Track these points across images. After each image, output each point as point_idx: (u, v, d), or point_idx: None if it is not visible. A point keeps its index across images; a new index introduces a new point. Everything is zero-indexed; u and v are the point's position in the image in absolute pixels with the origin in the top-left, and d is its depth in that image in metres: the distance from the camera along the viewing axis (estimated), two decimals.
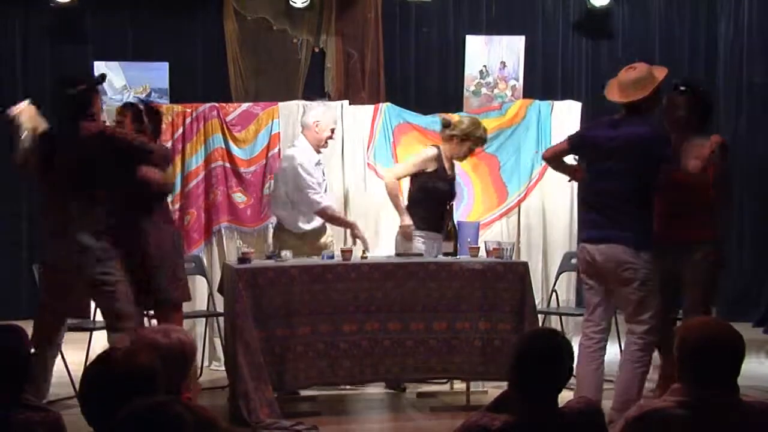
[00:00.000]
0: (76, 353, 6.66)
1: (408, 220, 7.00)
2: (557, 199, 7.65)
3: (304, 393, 6.55)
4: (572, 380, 4.45)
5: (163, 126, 6.96)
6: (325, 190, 7.17)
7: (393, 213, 7.72)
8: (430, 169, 7.04)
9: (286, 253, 6.92)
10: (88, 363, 3.73)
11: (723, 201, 6.20)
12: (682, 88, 6.26)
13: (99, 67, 9.87)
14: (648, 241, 5.91)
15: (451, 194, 7.21)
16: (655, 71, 6.09)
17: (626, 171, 5.90)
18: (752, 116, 9.47)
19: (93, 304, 7.07)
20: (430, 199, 7.05)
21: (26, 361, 3.82)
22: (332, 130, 7.19)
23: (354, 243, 7.06)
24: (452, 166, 7.25)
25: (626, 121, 6.02)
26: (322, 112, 7.20)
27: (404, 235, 7.03)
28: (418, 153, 7.23)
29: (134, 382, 3.23)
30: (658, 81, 5.99)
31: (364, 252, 6.84)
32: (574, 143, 6.25)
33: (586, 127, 6.96)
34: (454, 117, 7.60)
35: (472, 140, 7.06)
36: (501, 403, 3.73)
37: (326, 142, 7.18)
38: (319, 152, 7.13)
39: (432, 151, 7.09)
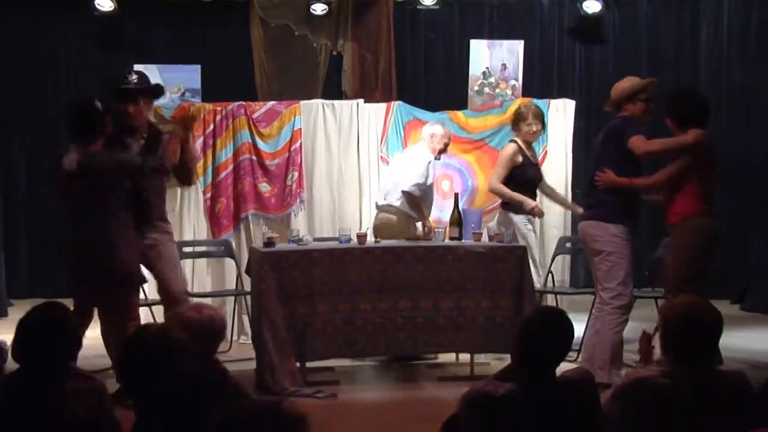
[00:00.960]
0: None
1: (533, 202, 7.10)
2: (553, 188, 7.67)
3: (323, 364, 6.56)
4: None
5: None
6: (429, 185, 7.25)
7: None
8: (519, 162, 7.12)
9: (306, 237, 7.02)
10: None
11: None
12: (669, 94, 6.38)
13: (138, 70, 10.04)
14: (616, 216, 6.02)
15: (539, 177, 7.35)
16: (629, 83, 6.25)
17: (598, 156, 6.15)
18: (732, 114, 9.45)
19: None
20: (524, 187, 7.13)
21: (74, 334, 3.86)
22: (446, 144, 7.27)
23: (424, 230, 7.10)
24: (534, 153, 7.36)
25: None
26: (439, 128, 7.27)
27: (537, 213, 7.15)
28: (502, 154, 7.26)
29: (167, 355, 3.25)
30: (616, 93, 6.18)
31: (377, 237, 6.91)
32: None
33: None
34: (513, 107, 7.71)
35: (538, 118, 7.19)
36: (506, 373, 3.85)
37: (439, 154, 7.26)
38: (437, 158, 7.26)
39: (512, 147, 7.16)
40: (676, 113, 6.09)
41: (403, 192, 7.02)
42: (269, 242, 6.58)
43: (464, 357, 6.74)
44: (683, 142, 5.95)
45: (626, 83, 6.27)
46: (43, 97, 10.23)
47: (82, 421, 3.45)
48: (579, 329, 6.26)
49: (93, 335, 6.59)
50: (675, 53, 10.36)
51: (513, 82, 10.06)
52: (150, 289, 7.59)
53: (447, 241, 6.74)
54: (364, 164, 8.02)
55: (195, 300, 6.62)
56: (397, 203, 7.10)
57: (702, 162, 5.99)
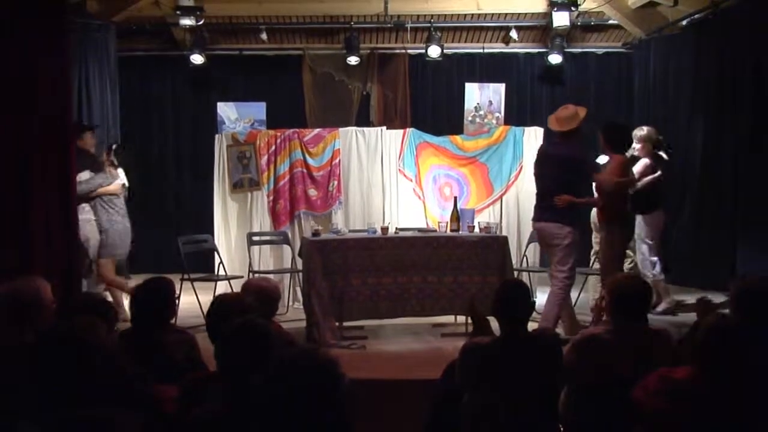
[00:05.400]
0: (205, 296, 6.68)
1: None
2: (527, 194, 7.53)
3: (355, 323, 6.52)
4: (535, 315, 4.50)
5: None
6: None
7: (414, 201, 7.87)
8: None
9: (343, 229, 7.02)
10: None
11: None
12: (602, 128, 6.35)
13: (220, 106, 10.00)
14: (569, 220, 6.04)
15: None
16: (579, 111, 6.20)
17: (554, 176, 6.06)
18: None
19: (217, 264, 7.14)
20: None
21: (170, 299, 3.87)
22: None
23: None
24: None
25: (560, 144, 6.20)
26: None
27: None
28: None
29: (239, 312, 3.32)
30: (580, 118, 6.13)
31: (396, 229, 6.88)
32: (537, 154, 6.47)
33: (542, 145, 7.10)
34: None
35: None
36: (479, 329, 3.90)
37: None
38: None
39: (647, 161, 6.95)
40: (611, 139, 6.17)
41: None
42: (316, 233, 6.60)
43: (461, 319, 6.69)
44: (628, 183, 6.19)
45: (581, 112, 6.18)
46: (151, 124, 10.27)
47: (179, 363, 3.49)
48: (544, 298, 6.31)
49: (187, 300, 6.77)
50: (615, 93, 10.27)
51: (497, 114, 10.05)
52: (230, 266, 7.69)
53: (448, 233, 6.70)
54: (386, 176, 7.98)
55: (262, 275, 6.63)
56: None
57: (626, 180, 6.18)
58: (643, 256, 7.05)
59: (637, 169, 6.82)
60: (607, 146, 6.20)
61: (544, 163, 6.24)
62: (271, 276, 7.01)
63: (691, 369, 2.80)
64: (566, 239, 6.03)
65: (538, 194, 6.30)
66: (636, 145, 6.97)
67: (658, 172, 6.94)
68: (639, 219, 6.95)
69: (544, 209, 6.16)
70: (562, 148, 6.16)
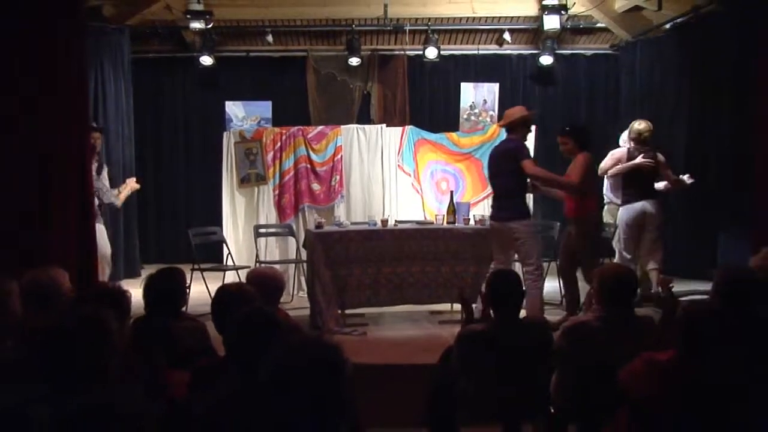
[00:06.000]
0: (214, 285, 6.70)
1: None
2: None
3: (356, 311, 6.53)
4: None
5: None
6: None
7: (411, 194, 7.86)
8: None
9: (345, 222, 7.02)
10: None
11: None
12: (565, 128, 6.28)
13: (228, 105, 9.98)
14: (526, 214, 5.98)
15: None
16: (522, 110, 6.14)
17: (503, 171, 5.97)
18: None
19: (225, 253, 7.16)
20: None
21: (183, 288, 3.87)
22: None
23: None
24: None
25: (504, 141, 6.17)
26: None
27: None
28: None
29: (244, 301, 3.29)
30: (516, 115, 6.02)
31: (395, 222, 6.88)
32: (488, 158, 6.37)
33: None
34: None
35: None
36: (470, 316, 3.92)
37: None
38: None
39: (620, 151, 6.88)
40: (577, 139, 6.12)
41: None
42: (319, 225, 6.59)
43: (457, 306, 6.61)
44: (566, 182, 6.04)
45: (519, 111, 6.09)
46: (162, 122, 10.26)
47: (191, 350, 3.48)
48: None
49: (197, 289, 6.76)
50: (603, 92, 10.26)
51: (491, 112, 10.04)
52: (238, 257, 7.69)
53: (445, 225, 6.70)
54: (386, 171, 7.98)
55: (267, 265, 6.64)
56: None
57: (592, 178, 6.13)
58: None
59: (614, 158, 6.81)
60: (576, 147, 6.12)
61: (493, 164, 6.15)
62: (276, 266, 6.99)
63: (674, 352, 2.82)
64: (526, 234, 5.93)
65: (494, 195, 6.20)
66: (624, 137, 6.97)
67: (637, 160, 6.74)
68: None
69: (500, 208, 6.03)
70: (503, 143, 6.14)
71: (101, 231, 6.39)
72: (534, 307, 5.85)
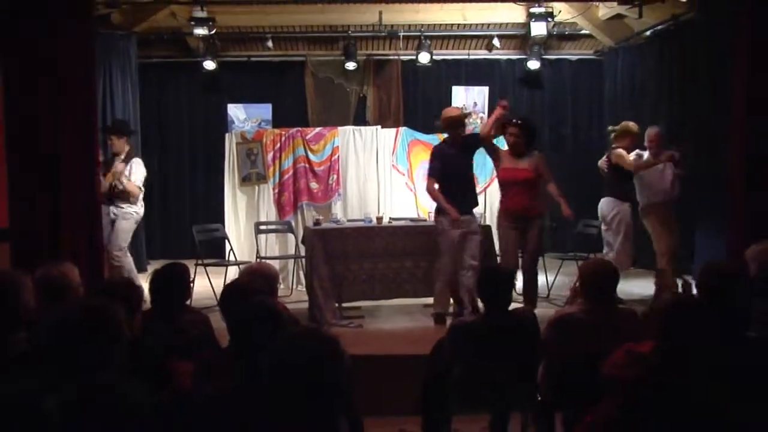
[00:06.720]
0: (217, 279, 6.71)
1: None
2: None
3: (353, 304, 6.53)
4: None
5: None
6: None
7: (406, 193, 7.84)
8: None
9: (342, 219, 7.01)
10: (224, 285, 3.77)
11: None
12: (517, 121, 6.10)
13: (230, 107, 9.94)
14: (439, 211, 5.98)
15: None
16: (453, 110, 6.15)
17: (460, 166, 6.03)
18: None
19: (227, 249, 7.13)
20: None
21: (186, 282, 3.85)
22: None
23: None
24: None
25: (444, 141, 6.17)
26: None
27: None
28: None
29: (249, 294, 3.26)
30: (445, 116, 6.00)
31: (390, 219, 6.88)
32: (439, 163, 6.11)
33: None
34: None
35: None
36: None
37: None
38: None
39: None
40: (527, 136, 6.01)
41: None
42: (317, 223, 6.62)
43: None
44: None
45: (455, 112, 6.06)
46: (167, 124, 10.21)
47: (194, 341, 3.48)
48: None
49: (201, 284, 6.75)
50: (587, 96, 10.27)
51: (481, 114, 10.04)
52: (239, 252, 7.68)
53: None
54: (381, 170, 7.99)
55: (265, 261, 6.61)
56: None
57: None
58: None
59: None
60: (523, 142, 6.01)
61: (445, 165, 5.99)
62: (276, 261, 7.00)
63: (654, 343, 2.81)
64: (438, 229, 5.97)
65: (458, 193, 6.00)
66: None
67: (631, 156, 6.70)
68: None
69: (464, 203, 5.97)
70: (444, 144, 6.12)
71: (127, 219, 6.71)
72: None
